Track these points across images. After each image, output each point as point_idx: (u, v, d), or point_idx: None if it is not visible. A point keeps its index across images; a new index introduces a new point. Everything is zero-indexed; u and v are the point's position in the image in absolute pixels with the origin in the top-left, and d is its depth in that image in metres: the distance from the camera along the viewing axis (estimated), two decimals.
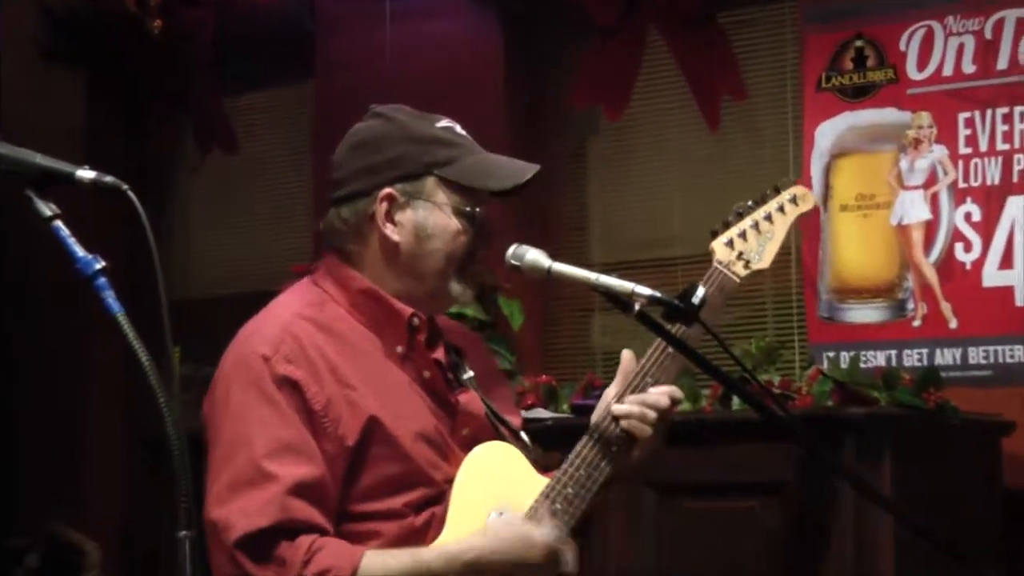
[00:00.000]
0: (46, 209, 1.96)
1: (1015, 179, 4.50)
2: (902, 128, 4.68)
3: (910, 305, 4.64)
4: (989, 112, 4.55)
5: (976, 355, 4.50)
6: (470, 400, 2.56)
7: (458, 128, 2.60)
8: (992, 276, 4.51)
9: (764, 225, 2.76)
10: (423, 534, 2.44)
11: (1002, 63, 4.54)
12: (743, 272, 2.71)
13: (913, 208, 4.65)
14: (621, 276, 2.45)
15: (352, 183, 2.55)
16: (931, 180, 4.64)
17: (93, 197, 1.99)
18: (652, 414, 2.54)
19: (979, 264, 4.53)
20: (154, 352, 1.87)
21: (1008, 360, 4.46)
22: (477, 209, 2.55)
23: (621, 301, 2.41)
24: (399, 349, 2.52)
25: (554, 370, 5.09)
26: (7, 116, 5.56)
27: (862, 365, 4.47)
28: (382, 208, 2.52)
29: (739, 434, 4.01)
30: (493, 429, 2.57)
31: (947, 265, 4.59)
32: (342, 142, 2.60)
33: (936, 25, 4.65)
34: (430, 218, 2.52)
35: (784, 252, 5.03)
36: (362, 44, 5.65)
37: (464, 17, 5.54)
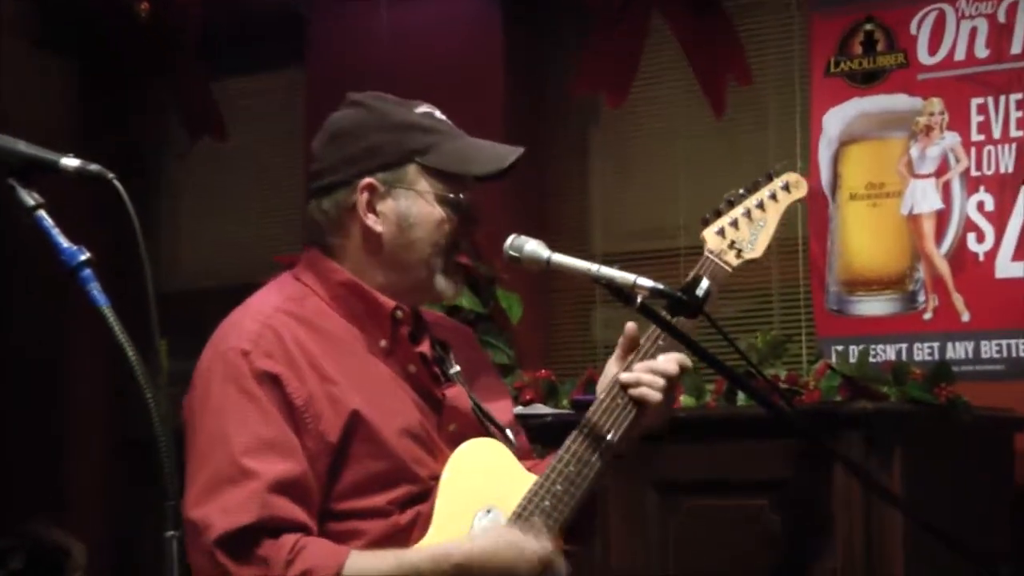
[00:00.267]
0: (29, 199, 1.96)
1: None
2: (913, 114, 4.68)
3: (921, 297, 4.65)
4: (1003, 98, 4.55)
5: (989, 349, 4.51)
6: (456, 395, 2.56)
7: (438, 113, 2.60)
8: (1006, 267, 4.51)
9: (756, 213, 2.77)
10: (408, 533, 2.44)
11: (1016, 47, 4.54)
12: (735, 261, 2.71)
13: (924, 197, 4.65)
14: (623, 267, 2.45)
15: (331, 174, 2.55)
16: (943, 168, 4.64)
17: (78, 186, 1.99)
18: (661, 381, 2.53)
19: (992, 255, 4.53)
20: (141, 346, 1.87)
21: (1022, 354, 4.46)
22: (461, 195, 2.54)
23: (623, 293, 2.41)
24: (382, 343, 2.52)
25: (554, 365, 5.10)
26: None
27: (871, 359, 4.48)
28: (363, 198, 2.52)
29: (744, 431, 4.01)
30: (480, 425, 2.57)
31: (959, 256, 4.59)
32: (319, 133, 2.60)
33: (948, 8, 4.65)
34: (412, 207, 2.52)
35: (791, 242, 5.07)
36: (356, 27, 5.65)
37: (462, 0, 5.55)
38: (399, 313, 2.53)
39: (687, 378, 3.87)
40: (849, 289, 4.77)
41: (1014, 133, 4.53)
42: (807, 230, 4.81)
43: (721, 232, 2.72)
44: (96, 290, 1.90)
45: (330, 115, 2.62)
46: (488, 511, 2.46)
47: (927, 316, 4.63)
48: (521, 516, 2.45)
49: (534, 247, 2.48)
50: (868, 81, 4.77)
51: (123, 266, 2.30)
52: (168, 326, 2.21)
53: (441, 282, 2.55)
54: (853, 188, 4.77)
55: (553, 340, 5.50)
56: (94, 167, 1.97)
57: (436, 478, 2.47)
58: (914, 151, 4.68)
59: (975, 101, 4.59)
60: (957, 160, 4.62)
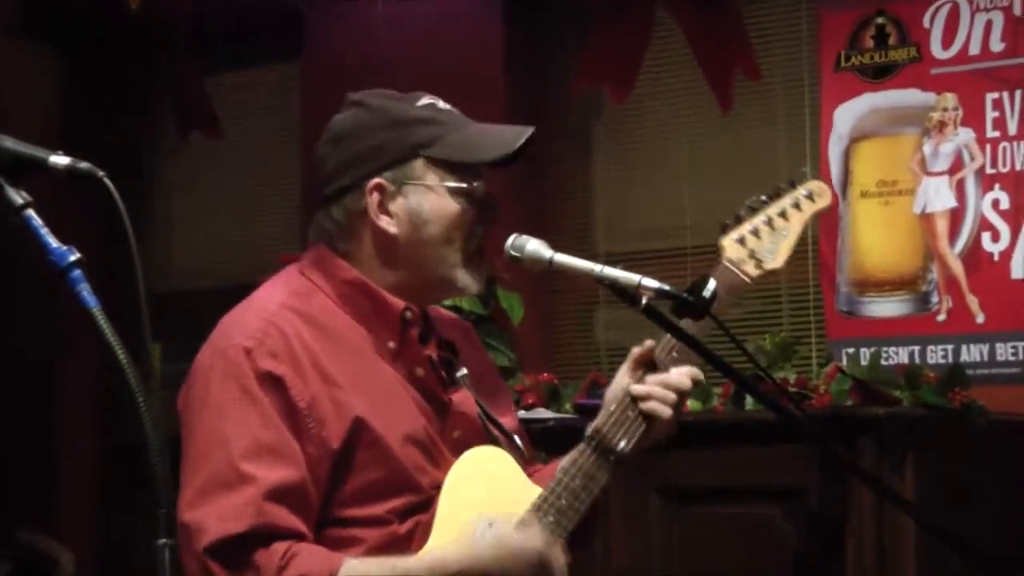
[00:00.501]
0: (17, 197, 1.96)
1: None
2: (926, 110, 4.68)
3: (934, 298, 4.65)
4: (1019, 93, 4.55)
5: (1004, 352, 4.50)
6: (463, 400, 2.56)
7: (441, 103, 2.59)
8: (1022, 267, 4.51)
9: (779, 222, 2.74)
10: (407, 542, 2.44)
11: None
12: (755, 272, 2.69)
13: (938, 195, 4.65)
14: (627, 268, 2.45)
15: (337, 179, 2.54)
16: (957, 166, 4.64)
17: (68, 184, 1.99)
18: (673, 396, 2.53)
19: (1007, 255, 4.53)
20: (132, 349, 1.87)
21: None
22: (475, 184, 2.53)
23: (627, 294, 2.41)
24: (390, 345, 2.51)
25: (556, 368, 5.10)
26: None
27: (883, 362, 4.48)
28: (373, 200, 2.51)
29: (753, 436, 4.01)
30: (486, 431, 2.57)
31: (974, 256, 4.59)
32: (322, 138, 2.60)
33: (962, 0, 4.65)
34: (424, 202, 2.51)
35: (800, 242, 5.04)
36: (353, 20, 5.65)
37: None
38: (408, 314, 2.52)
39: None
40: (860, 290, 4.77)
41: None
42: (817, 229, 4.80)
43: (741, 240, 2.70)
44: (86, 291, 1.90)
45: (332, 117, 2.61)
46: (490, 524, 2.45)
47: (941, 318, 4.63)
48: (524, 530, 2.44)
49: (536, 247, 2.48)
50: (879, 76, 4.77)
51: (114, 266, 2.30)
52: (161, 328, 2.22)
53: (463, 277, 2.54)
54: (864, 186, 4.77)
55: (555, 342, 5.50)
56: (84, 165, 1.97)
57: (438, 487, 2.47)
58: (927, 148, 4.68)
59: (990, 96, 4.59)
60: (971, 157, 4.62)
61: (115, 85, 6.13)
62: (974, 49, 4.62)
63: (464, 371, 2.59)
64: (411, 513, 2.46)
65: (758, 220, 2.73)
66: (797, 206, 2.78)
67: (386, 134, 2.53)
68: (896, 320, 4.70)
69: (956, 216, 4.63)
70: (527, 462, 2.61)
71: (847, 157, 4.80)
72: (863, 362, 4.42)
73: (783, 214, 2.75)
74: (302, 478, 2.39)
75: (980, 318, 4.56)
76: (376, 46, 5.49)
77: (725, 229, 2.72)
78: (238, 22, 5.81)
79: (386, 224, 2.51)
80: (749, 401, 4.22)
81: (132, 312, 1.91)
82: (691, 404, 4.26)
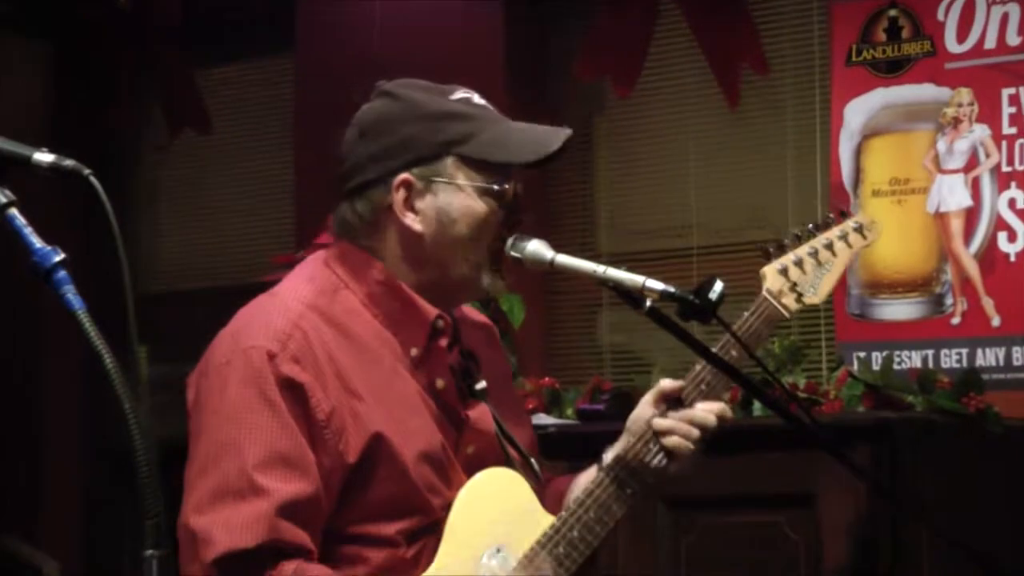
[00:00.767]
0: (0, 196, 1.96)
1: None
2: (940, 106, 4.68)
3: (948, 300, 4.65)
4: None
5: (1020, 356, 4.51)
6: (480, 416, 2.54)
7: (476, 98, 2.55)
8: None
9: (824, 255, 2.71)
10: (412, 565, 2.43)
11: None
12: (794, 306, 2.66)
13: (952, 194, 4.65)
14: (631, 268, 2.45)
15: (363, 173, 2.51)
16: (972, 163, 4.64)
17: (52, 182, 1.99)
18: (696, 432, 2.54)
19: None
20: (119, 352, 1.87)
21: None
22: (505, 186, 2.51)
23: (631, 296, 2.40)
24: (414, 352, 2.49)
25: (558, 372, 5.09)
26: None
27: (896, 366, 4.48)
28: (399, 196, 2.48)
29: (761, 442, 4.01)
30: (501, 449, 2.56)
31: (989, 256, 4.59)
32: (348, 129, 2.57)
33: None
34: (453, 201, 2.48)
35: None
36: (348, 12, 5.65)
37: None
38: (440, 323, 2.51)
39: None
40: (872, 292, 4.77)
41: None
42: None
43: (784, 271, 2.67)
44: (71, 293, 1.89)
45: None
46: (497, 550, 2.45)
47: (955, 320, 4.63)
48: (532, 561, 2.45)
49: (537, 247, 2.47)
50: (892, 70, 4.77)
51: (100, 267, 2.30)
52: (148, 330, 2.21)
53: (488, 279, 2.52)
54: (876, 184, 4.77)
55: (557, 345, 5.50)
56: (69, 162, 1.96)
57: (448, 507, 2.46)
58: (941, 145, 4.68)
59: (1006, 92, 4.59)
60: (987, 154, 4.62)
61: (102, 80, 6.13)
62: (990, 43, 4.62)
63: (483, 384, 2.57)
64: (419, 535, 2.44)
65: (803, 251, 2.70)
66: (845, 239, 2.75)
67: (416, 128, 2.50)
68: (909, 323, 4.70)
69: (971, 215, 4.63)
70: (542, 475, 2.61)
71: (858, 154, 4.80)
72: (875, 366, 4.42)
73: (830, 247, 2.73)
74: (315, 492, 2.37)
75: (996, 321, 4.56)
76: (372, 38, 5.49)
77: (768, 255, 2.69)
78: (230, 14, 5.81)
79: (411, 221, 2.49)
80: (757, 407, 4.21)
81: (118, 314, 1.91)
82: None
